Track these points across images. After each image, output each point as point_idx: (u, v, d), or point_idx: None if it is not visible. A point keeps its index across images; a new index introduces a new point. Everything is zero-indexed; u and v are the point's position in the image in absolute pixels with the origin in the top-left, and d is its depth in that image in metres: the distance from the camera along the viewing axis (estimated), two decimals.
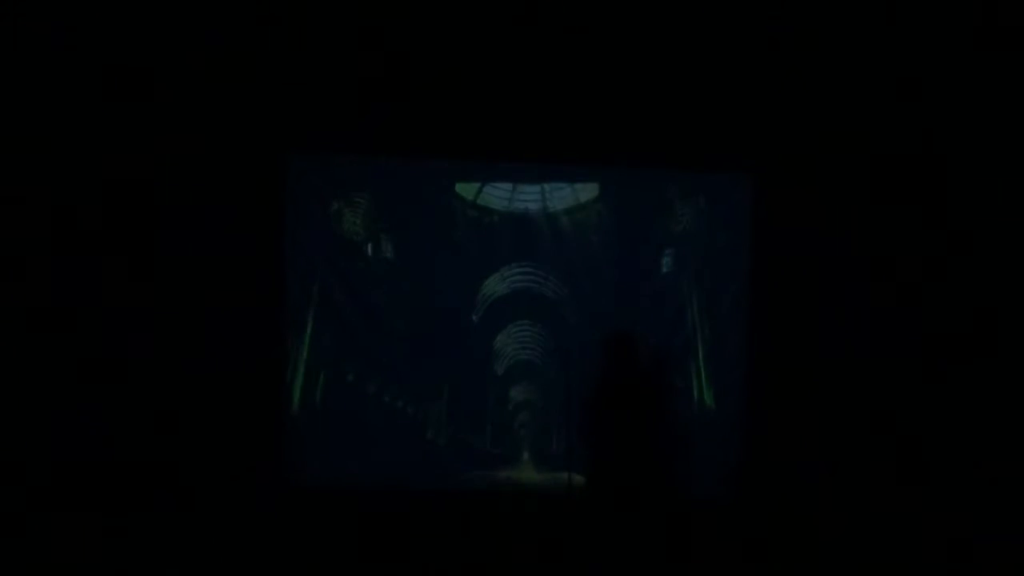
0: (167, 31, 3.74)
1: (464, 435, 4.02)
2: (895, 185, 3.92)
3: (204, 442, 3.83)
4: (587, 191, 4.08)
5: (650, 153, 3.97)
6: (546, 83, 3.88)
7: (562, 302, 4.04)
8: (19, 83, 3.70)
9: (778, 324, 3.96)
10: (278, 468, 3.92)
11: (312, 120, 3.88)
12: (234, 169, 3.85)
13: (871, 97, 3.91)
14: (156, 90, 3.79)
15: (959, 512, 3.78)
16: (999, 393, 3.83)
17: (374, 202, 3.99)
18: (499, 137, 3.93)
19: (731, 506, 3.92)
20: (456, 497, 3.95)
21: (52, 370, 3.74)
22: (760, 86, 3.91)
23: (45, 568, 3.59)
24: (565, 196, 4.08)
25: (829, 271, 3.93)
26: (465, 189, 4.04)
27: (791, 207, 3.95)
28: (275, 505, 3.88)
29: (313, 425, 3.97)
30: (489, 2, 3.78)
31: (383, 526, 3.88)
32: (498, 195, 4.07)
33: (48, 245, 3.75)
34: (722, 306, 4.04)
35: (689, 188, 4.04)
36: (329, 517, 3.88)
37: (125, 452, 3.78)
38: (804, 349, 3.94)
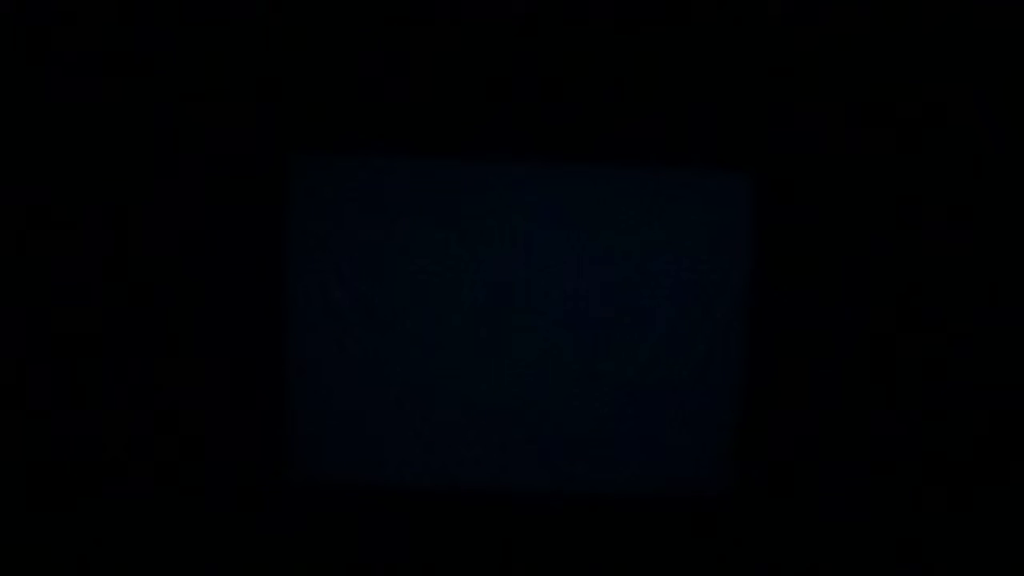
0: (166, 30, 3.73)
1: (468, 435, 4.01)
2: (897, 185, 3.93)
3: (204, 442, 3.83)
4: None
5: (649, 152, 3.97)
6: (545, 82, 3.87)
7: (561, 302, 4.04)
8: (18, 82, 3.70)
9: (778, 323, 3.97)
10: (278, 467, 3.92)
11: (312, 120, 3.87)
12: (234, 169, 3.84)
13: (872, 96, 3.91)
14: (155, 88, 3.78)
15: (960, 511, 3.80)
16: (1002, 391, 3.83)
17: (375, 202, 3.99)
18: (500, 136, 3.92)
19: (730, 504, 3.93)
20: (460, 497, 3.96)
21: (51, 369, 3.73)
22: (760, 85, 3.91)
23: (43, 567, 3.60)
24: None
25: (830, 271, 3.94)
26: (464, 189, 4.04)
27: (791, 207, 3.96)
28: (275, 504, 3.89)
29: (314, 424, 3.97)
30: (488, 2, 3.78)
31: (383, 526, 3.89)
32: (497, 194, 4.06)
33: (47, 244, 3.74)
34: (722, 305, 4.04)
35: (689, 187, 4.03)
36: (330, 517, 3.89)
37: (124, 452, 3.77)
38: (805, 349, 3.94)
